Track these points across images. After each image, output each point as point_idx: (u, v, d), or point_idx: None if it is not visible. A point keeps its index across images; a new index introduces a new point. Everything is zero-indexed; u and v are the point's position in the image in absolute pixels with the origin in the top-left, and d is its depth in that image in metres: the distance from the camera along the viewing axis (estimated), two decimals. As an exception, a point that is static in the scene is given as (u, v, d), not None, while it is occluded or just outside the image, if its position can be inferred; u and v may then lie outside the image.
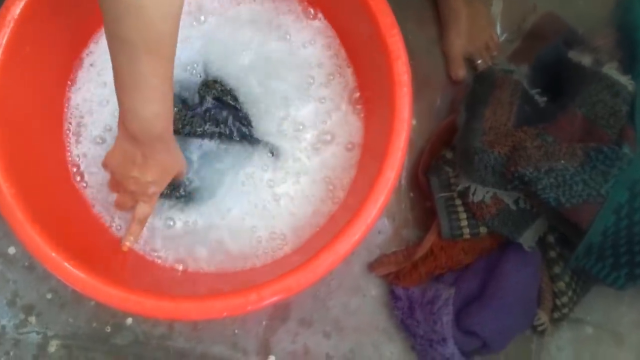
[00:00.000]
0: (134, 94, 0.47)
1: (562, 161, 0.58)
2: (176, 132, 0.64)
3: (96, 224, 0.65)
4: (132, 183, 0.55)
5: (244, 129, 0.66)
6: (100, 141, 0.66)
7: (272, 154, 0.66)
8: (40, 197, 0.57)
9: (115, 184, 0.59)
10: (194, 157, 0.66)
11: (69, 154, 0.65)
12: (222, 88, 0.66)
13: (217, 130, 0.65)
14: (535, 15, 0.78)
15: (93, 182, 0.66)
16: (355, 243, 0.52)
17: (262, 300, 0.50)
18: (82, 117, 0.66)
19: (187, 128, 0.65)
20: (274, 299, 0.50)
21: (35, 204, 0.54)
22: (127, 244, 0.61)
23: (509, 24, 0.80)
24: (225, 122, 0.65)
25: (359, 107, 0.66)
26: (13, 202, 0.52)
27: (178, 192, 0.65)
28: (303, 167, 0.66)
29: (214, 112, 0.66)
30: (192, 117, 0.65)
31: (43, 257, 0.51)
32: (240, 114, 0.66)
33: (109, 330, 0.72)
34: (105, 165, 0.57)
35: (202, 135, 0.65)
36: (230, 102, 0.66)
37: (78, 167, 0.66)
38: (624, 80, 0.62)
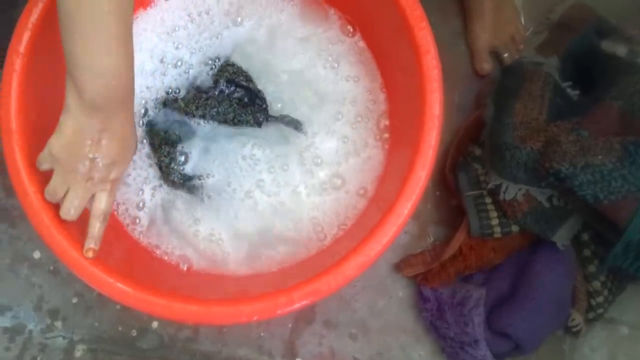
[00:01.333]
0: (89, 42, 0.40)
1: (600, 156, 0.55)
2: (189, 114, 0.62)
3: (118, 227, 0.64)
4: (87, 168, 0.46)
5: (258, 108, 0.63)
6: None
7: (297, 128, 0.62)
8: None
9: (62, 176, 0.47)
10: (211, 145, 0.64)
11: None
12: (234, 70, 0.63)
13: (231, 111, 0.62)
14: (564, 6, 0.76)
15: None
16: (386, 245, 0.50)
17: (292, 303, 0.49)
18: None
19: (201, 110, 0.62)
20: (304, 302, 0.49)
21: (57, 205, 0.54)
22: (90, 253, 0.50)
23: (534, 15, 0.78)
24: (239, 103, 0.63)
25: (385, 135, 0.64)
26: (39, 205, 0.51)
27: (195, 190, 0.63)
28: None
29: (228, 93, 0.63)
30: (207, 99, 0.62)
31: (70, 262, 0.50)
32: (255, 93, 0.63)
33: (134, 334, 0.72)
34: (47, 155, 0.47)
35: (216, 118, 0.62)
36: (243, 82, 0.62)
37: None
38: None
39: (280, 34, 0.66)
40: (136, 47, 0.54)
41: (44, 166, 0.49)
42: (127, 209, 0.64)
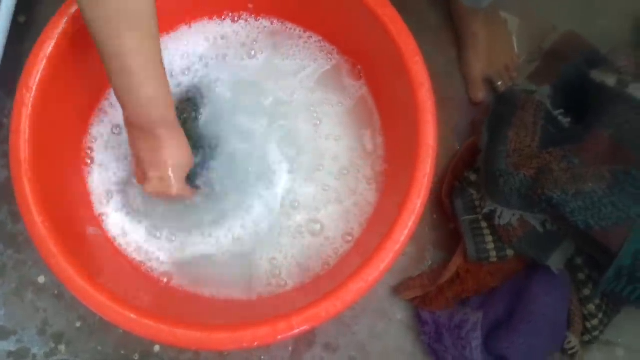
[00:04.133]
0: (124, 79, 0.47)
1: (590, 184, 0.57)
2: None
3: (120, 256, 0.66)
4: (152, 183, 0.54)
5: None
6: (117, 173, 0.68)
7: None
8: (68, 228, 0.58)
9: (140, 173, 0.57)
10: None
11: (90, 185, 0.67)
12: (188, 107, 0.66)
13: None
14: (555, 35, 0.78)
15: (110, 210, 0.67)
16: (383, 270, 0.52)
17: (292, 329, 0.50)
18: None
19: None
20: (303, 327, 0.50)
21: (64, 234, 0.55)
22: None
23: (527, 44, 0.80)
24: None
25: (381, 180, 0.66)
26: (45, 232, 0.53)
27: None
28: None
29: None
30: None
31: (76, 289, 0.52)
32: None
33: (136, 357, 0.73)
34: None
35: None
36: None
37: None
38: None
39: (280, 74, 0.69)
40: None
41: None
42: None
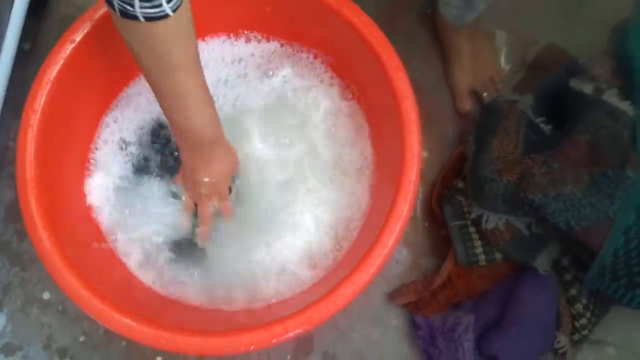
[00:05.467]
0: (180, 114, 0.53)
1: (569, 186, 0.60)
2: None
3: (124, 270, 0.68)
4: (205, 187, 0.62)
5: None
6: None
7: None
8: (72, 243, 0.61)
9: (192, 197, 0.65)
10: None
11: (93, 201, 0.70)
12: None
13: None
14: (538, 47, 0.81)
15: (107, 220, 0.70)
16: (373, 274, 0.54)
17: (287, 332, 0.52)
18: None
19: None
20: (298, 330, 0.52)
21: (68, 248, 0.58)
22: (203, 236, 0.67)
23: (513, 55, 0.84)
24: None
25: (371, 189, 0.70)
26: (50, 247, 0.56)
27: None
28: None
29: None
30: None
31: (81, 301, 0.54)
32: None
33: (139, 369, 0.75)
34: (180, 183, 0.66)
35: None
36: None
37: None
38: (624, 106, 0.65)
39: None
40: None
41: (186, 201, 0.67)
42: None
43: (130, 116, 0.72)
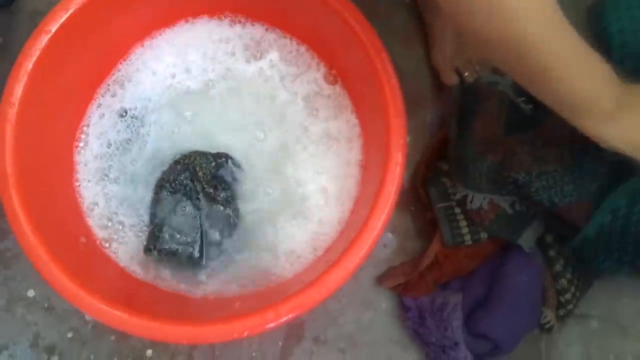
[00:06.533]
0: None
1: (552, 164, 0.61)
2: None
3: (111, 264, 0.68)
4: None
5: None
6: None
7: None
8: (58, 237, 0.60)
9: None
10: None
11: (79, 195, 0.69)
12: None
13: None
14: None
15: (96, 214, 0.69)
16: (363, 257, 0.54)
17: (279, 317, 0.52)
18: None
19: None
20: (290, 315, 0.53)
21: (54, 242, 0.57)
22: None
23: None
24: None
25: (361, 164, 0.70)
26: (35, 240, 0.55)
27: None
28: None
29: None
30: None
31: (68, 294, 0.53)
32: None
33: (130, 363, 0.74)
34: None
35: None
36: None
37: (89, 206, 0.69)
38: None
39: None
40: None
41: None
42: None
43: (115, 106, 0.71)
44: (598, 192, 0.60)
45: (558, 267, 0.69)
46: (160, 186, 0.67)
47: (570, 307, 0.70)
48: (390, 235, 0.78)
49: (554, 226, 0.66)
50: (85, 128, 0.69)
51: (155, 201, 0.67)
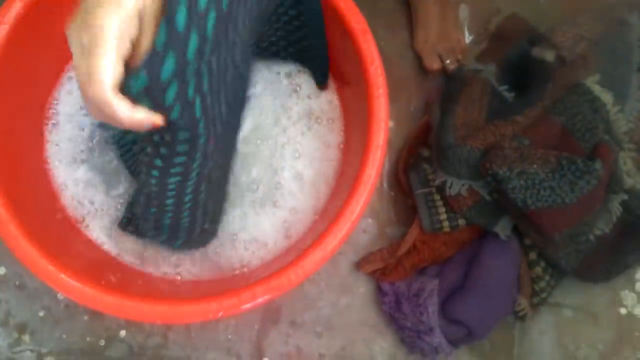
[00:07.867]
0: None
1: (535, 165, 0.61)
2: None
3: (87, 241, 0.66)
4: None
5: None
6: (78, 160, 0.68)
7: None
8: (32, 213, 0.58)
9: None
10: None
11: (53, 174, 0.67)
12: None
13: None
14: (499, 18, 0.82)
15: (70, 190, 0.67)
16: (342, 239, 0.54)
17: (255, 298, 0.52)
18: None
19: None
20: (267, 297, 0.52)
21: (27, 218, 0.56)
22: None
23: (475, 27, 0.84)
24: None
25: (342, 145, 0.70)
26: (6, 215, 0.53)
27: None
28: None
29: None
30: None
31: (40, 271, 0.52)
32: None
33: (102, 343, 0.73)
34: None
35: None
36: None
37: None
38: (605, 97, 0.66)
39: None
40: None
41: None
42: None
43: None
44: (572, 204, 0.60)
45: (533, 255, 0.69)
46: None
47: (544, 295, 0.71)
48: (370, 220, 0.78)
49: (520, 226, 0.67)
50: (58, 100, 0.67)
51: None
